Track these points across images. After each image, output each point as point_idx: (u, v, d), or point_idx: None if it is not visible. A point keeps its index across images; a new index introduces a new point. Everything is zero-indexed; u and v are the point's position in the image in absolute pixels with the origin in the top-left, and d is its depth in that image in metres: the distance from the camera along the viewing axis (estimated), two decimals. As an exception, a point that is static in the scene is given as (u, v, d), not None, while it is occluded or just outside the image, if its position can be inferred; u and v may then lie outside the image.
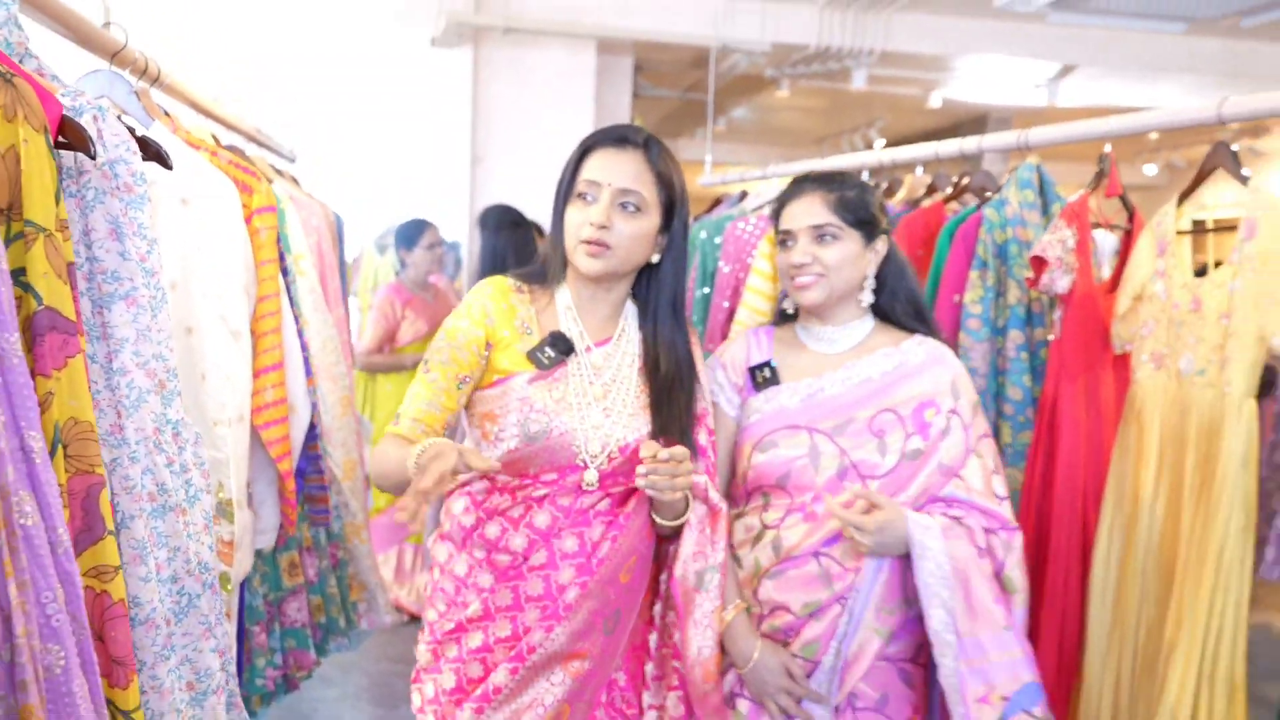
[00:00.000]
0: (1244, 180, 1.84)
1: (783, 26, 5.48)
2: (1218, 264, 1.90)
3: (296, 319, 1.83)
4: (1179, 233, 1.97)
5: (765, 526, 1.70)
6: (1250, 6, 3.34)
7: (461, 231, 5.12)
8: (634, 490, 1.59)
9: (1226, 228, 1.90)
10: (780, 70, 6.18)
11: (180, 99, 2.03)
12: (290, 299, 1.83)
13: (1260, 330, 1.74)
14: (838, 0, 5.31)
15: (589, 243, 1.57)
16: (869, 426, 1.67)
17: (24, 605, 0.75)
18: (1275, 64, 6.00)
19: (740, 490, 1.78)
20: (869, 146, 9.67)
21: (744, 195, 3.74)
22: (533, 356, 1.61)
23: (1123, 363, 2.10)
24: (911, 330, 1.77)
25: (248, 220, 1.64)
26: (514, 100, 5.23)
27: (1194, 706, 1.77)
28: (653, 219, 1.61)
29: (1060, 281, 1.99)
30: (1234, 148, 1.90)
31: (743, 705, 1.69)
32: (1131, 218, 2.21)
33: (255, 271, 1.65)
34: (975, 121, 8.88)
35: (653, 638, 1.71)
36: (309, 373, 1.86)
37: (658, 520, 1.63)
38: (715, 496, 1.66)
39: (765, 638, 1.68)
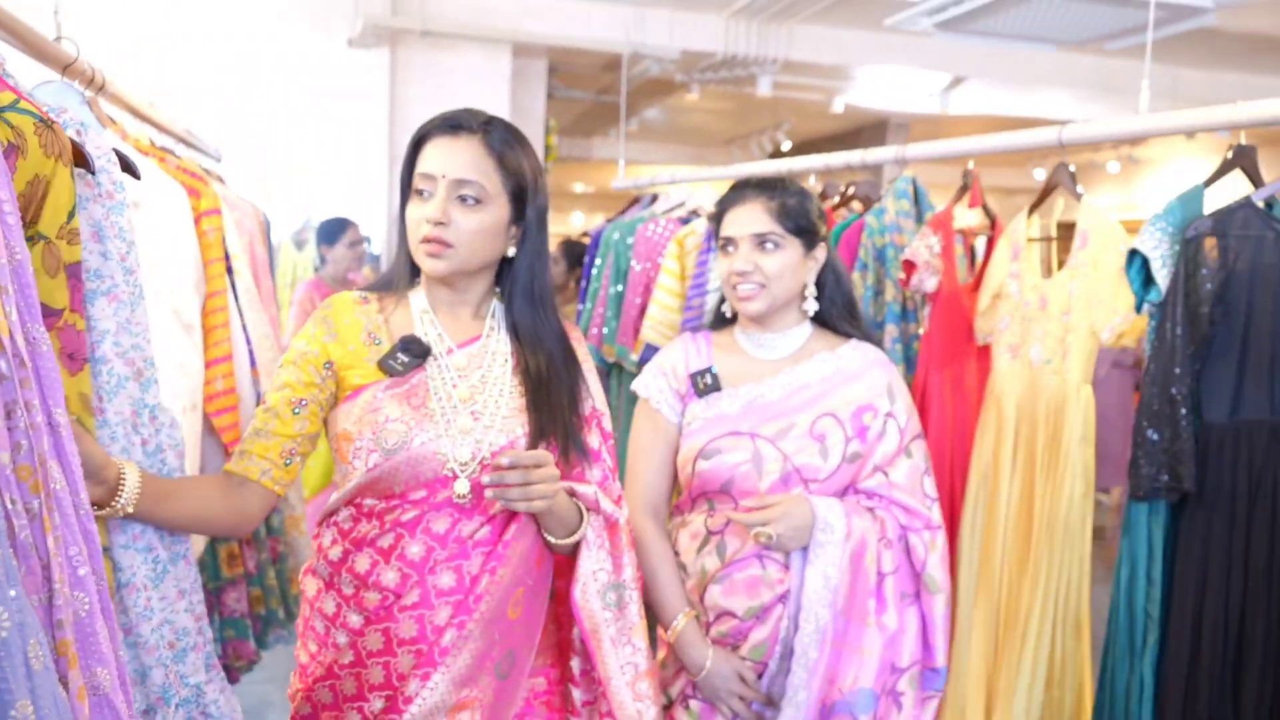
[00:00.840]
0: (1078, 197, 2.13)
1: (691, 34, 5.72)
2: (1061, 265, 2.19)
3: (241, 315, 1.97)
4: (1029, 240, 2.26)
5: (710, 533, 1.71)
6: (1112, 32, 3.68)
7: (379, 229, 5.24)
8: (516, 514, 1.44)
9: (1069, 236, 2.19)
10: (689, 75, 6.42)
11: (122, 106, 2.16)
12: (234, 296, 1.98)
13: (1092, 325, 2.03)
14: (743, 11, 5.56)
15: (428, 241, 1.43)
16: (810, 431, 1.68)
17: (58, 558, 0.91)
18: (1152, 80, 6.47)
19: (685, 498, 1.78)
20: (776, 148, 10.00)
21: (655, 198, 3.96)
22: (384, 365, 1.46)
23: (985, 353, 2.37)
24: (847, 335, 1.79)
25: (196, 221, 1.79)
26: (431, 101, 5.36)
27: (1050, 645, 2.05)
28: (498, 211, 1.45)
29: (928, 282, 2.25)
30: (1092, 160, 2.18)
31: (695, 705, 1.70)
32: (993, 225, 2.49)
33: (204, 269, 1.80)
34: (876, 126, 9.26)
35: (575, 663, 1.55)
36: (253, 364, 2.01)
37: (551, 540, 1.47)
38: (609, 506, 1.51)
39: (715, 643, 1.68)
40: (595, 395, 1.58)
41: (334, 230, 4.43)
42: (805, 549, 1.62)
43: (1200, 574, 1.71)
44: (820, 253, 1.76)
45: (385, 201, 5.23)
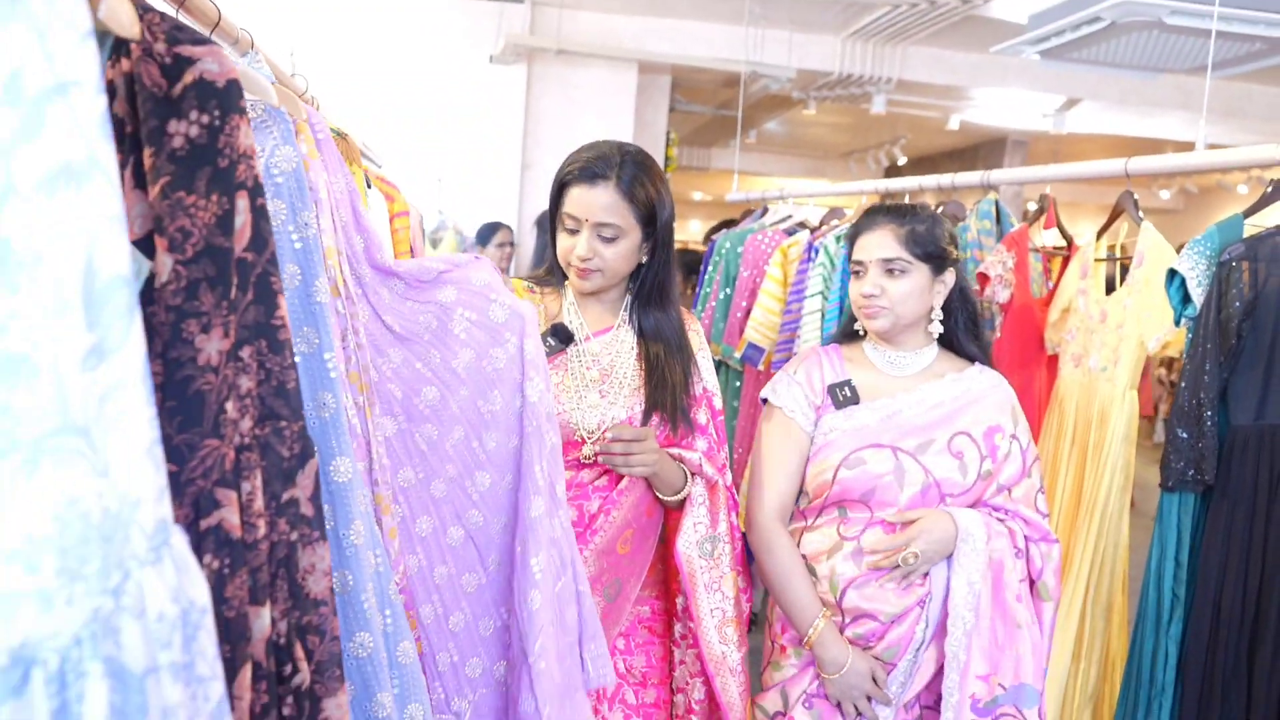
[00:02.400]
0: (1139, 222, 2.36)
1: (808, 54, 6.01)
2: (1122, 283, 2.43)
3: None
4: (1096, 260, 2.50)
5: (843, 539, 1.74)
6: (1214, 62, 3.82)
7: (511, 227, 5.70)
8: None
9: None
10: (805, 93, 6.70)
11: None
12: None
13: (1141, 336, 2.27)
14: (858, 32, 5.81)
15: (577, 269, 1.71)
16: (948, 447, 1.72)
17: (376, 435, 1.23)
18: (1266, 103, 6.47)
19: (814, 504, 1.80)
20: (892, 163, 10.15)
21: (765, 211, 4.27)
22: None
23: (1053, 362, 2.62)
24: (970, 358, 1.84)
25: (391, 220, 2.19)
26: (561, 113, 5.80)
27: (1080, 621, 2.30)
28: (633, 238, 1.70)
29: (1000, 294, 2.52)
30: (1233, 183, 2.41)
31: (819, 705, 1.75)
32: (1069, 245, 2.73)
33: (395, 257, 2.21)
34: (994, 143, 9.33)
35: (679, 600, 1.77)
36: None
37: (661, 496, 1.73)
38: (710, 470, 1.75)
39: (850, 643, 1.72)
40: (707, 378, 1.83)
41: (487, 232, 4.88)
42: (947, 558, 1.68)
43: (1222, 559, 1.94)
44: (949, 277, 1.79)
45: (516, 203, 5.68)
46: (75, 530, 0.49)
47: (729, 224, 4.85)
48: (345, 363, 1.07)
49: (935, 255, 1.76)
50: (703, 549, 1.74)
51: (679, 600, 1.78)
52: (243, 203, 0.78)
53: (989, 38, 5.70)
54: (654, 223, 1.72)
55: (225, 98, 0.76)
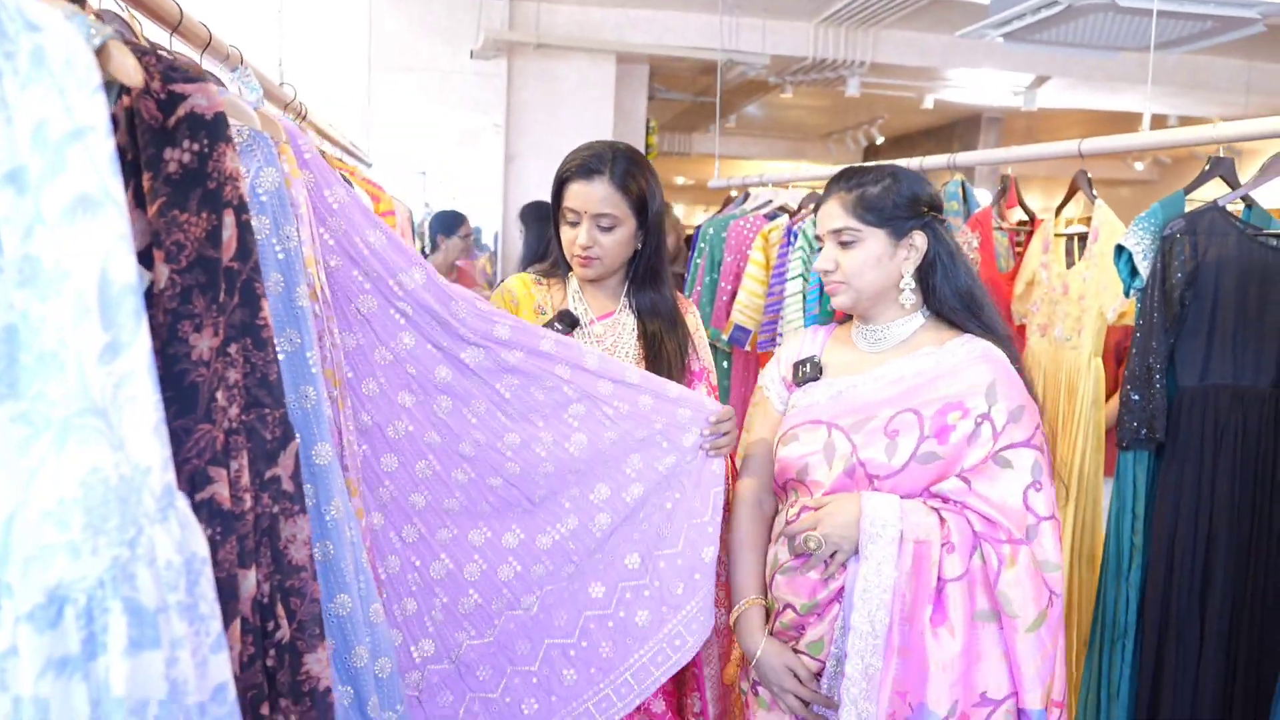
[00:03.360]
0: (1093, 198, 2.52)
1: (781, 41, 6.15)
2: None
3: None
4: (1056, 235, 2.65)
5: (787, 522, 1.64)
6: (1165, 41, 3.98)
7: (495, 218, 5.81)
8: None
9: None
10: (781, 78, 6.83)
11: (311, 128, 2.73)
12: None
13: (1100, 307, 2.42)
14: (830, 18, 5.95)
15: (579, 257, 1.86)
16: (885, 425, 1.57)
17: (348, 425, 1.42)
18: (1227, 75, 6.64)
19: (777, 486, 1.73)
20: (870, 142, 10.31)
21: (746, 196, 4.41)
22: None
23: (1021, 332, 2.77)
24: (964, 329, 1.65)
25: (380, 222, 2.33)
26: (542, 105, 5.93)
27: (1068, 573, 2.46)
28: (627, 226, 1.85)
29: (967, 271, 2.66)
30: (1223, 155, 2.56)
31: (765, 694, 1.64)
32: (1032, 221, 2.89)
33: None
34: (970, 120, 9.49)
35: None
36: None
37: None
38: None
39: (777, 635, 1.62)
40: (703, 357, 1.97)
41: (450, 222, 4.97)
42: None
43: (1174, 510, 2.10)
44: (919, 239, 1.62)
45: (500, 195, 5.80)
46: (97, 493, 0.62)
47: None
48: (322, 361, 1.21)
49: (893, 217, 1.61)
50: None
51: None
52: (229, 219, 0.90)
53: (958, 20, 5.85)
54: (645, 212, 1.86)
55: (213, 128, 0.88)
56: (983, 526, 1.49)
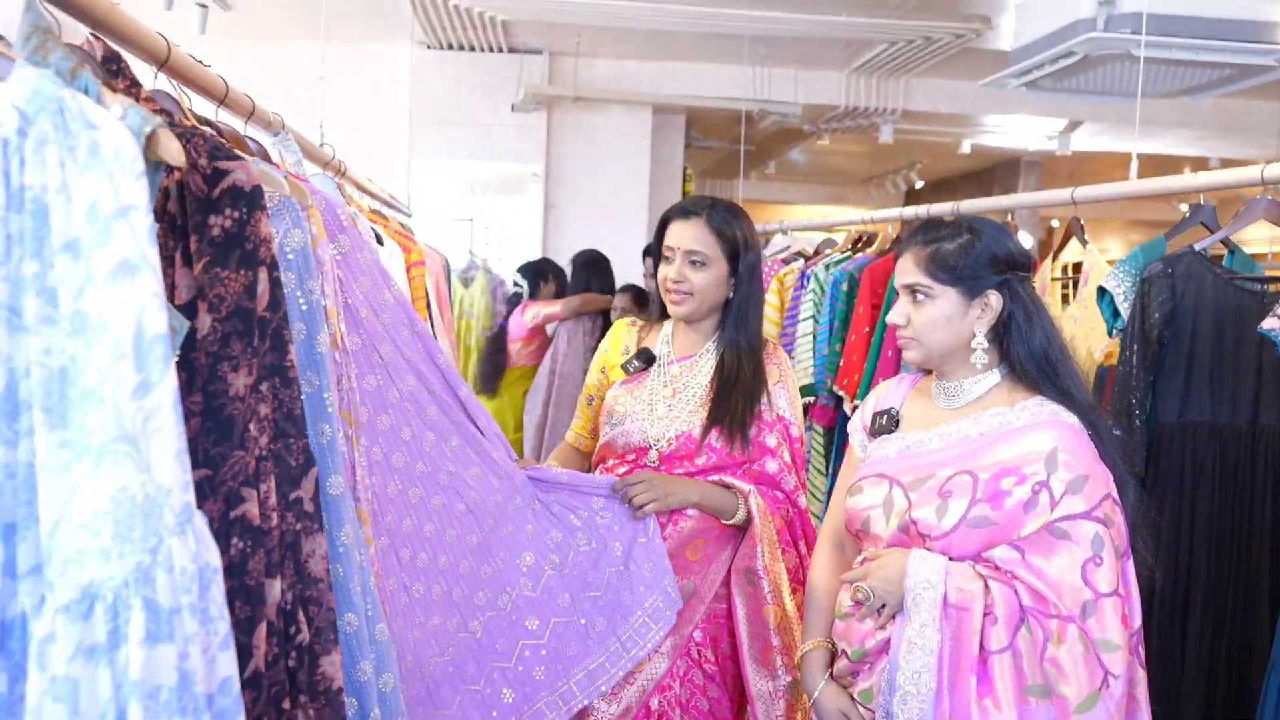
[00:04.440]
0: (1084, 243, 2.61)
1: (814, 90, 6.31)
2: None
3: (436, 337, 2.69)
4: (1053, 279, 2.75)
5: (851, 569, 1.66)
6: (1186, 88, 4.06)
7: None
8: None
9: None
10: (815, 125, 6.99)
11: (350, 183, 2.93)
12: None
13: (1089, 348, 2.51)
14: (861, 67, 6.10)
15: (671, 291, 1.98)
16: (941, 485, 1.55)
17: (360, 460, 1.57)
18: (1265, 118, 6.65)
19: (848, 533, 1.74)
20: (910, 187, 10.41)
21: (767, 243, 4.56)
22: (624, 366, 2.08)
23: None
24: (1037, 390, 1.60)
25: (407, 269, 2.51)
26: (581, 155, 6.15)
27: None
28: (720, 268, 1.96)
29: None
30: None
31: None
32: (1034, 266, 2.98)
33: (412, 305, 2.52)
34: (1009, 164, 9.55)
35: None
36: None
37: (721, 520, 1.95)
38: (755, 503, 1.92)
39: (835, 679, 1.64)
40: (784, 407, 2.01)
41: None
42: None
43: (1154, 542, 2.17)
44: (993, 300, 1.58)
45: (540, 242, 6.01)
46: (125, 508, 0.74)
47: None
48: (339, 402, 1.36)
49: (967, 276, 1.58)
50: (745, 576, 1.92)
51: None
52: (263, 275, 1.07)
53: (987, 68, 5.95)
54: (738, 258, 1.98)
55: (251, 199, 1.04)
56: (1031, 600, 1.44)
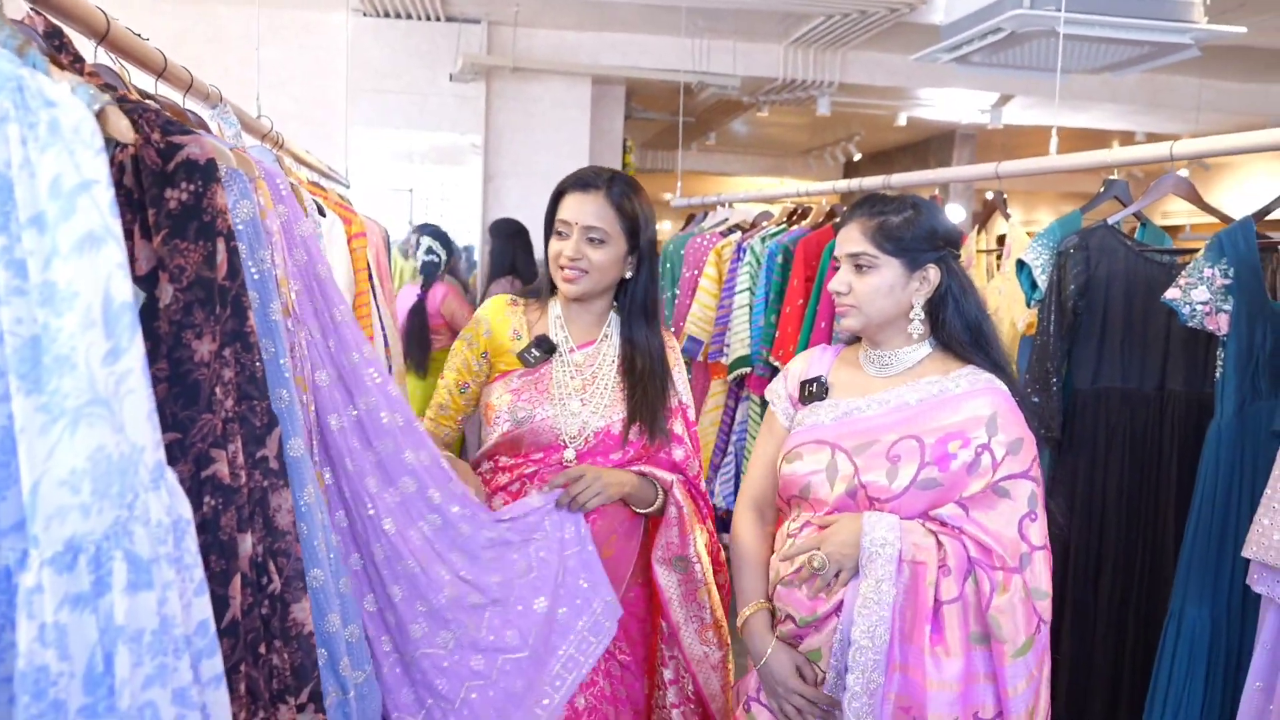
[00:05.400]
0: (1008, 217, 2.72)
1: (752, 62, 6.36)
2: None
3: (378, 309, 2.70)
4: (978, 251, 2.85)
5: (789, 536, 1.71)
6: (1107, 65, 4.19)
7: (475, 236, 6.02)
8: None
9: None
10: (754, 97, 7.05)
11: (288, 154, 2.92)
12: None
13: (1011, 318, 2.62)
14: (799, 40, 6.16)
15: (565, 269, 1.86)
16: (888, 450, 1.63)
17: (316, 426, 1.57)
18: (1187, 93, 6.86)
19: (780, 500, 1.79)
20: (849, 159, 10.55)
21: (705, 215, 4.62)
22: (521, 357, 1.91)
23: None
24: (969, 361, 1.70)
25: (348, 241, 2.52)
26: (520, 126, 6.14)
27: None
28: (618, 246, 1.86)
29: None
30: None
31: (755, 709, 1.71)
32: (960, 239, 3.09)
33: (354, 276, 2.53)
34: (944, 136, 9.71)
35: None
36: (386, 345, 2.73)
37: (636, 510, 1.90)
38: (679, 493, 1.90)
39: (780, 639, 1.69)
40: (681, 391, 1.99)
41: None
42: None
43: (1069, 503, 2.29)
44: (931, 273, 1.68)
45: (480, 215, 6.00)
46: (102, 466, 0.78)
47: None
48: (293, 368, 1.40)
49: (910, 249, 1.66)
50: (674, 566, 1.91)
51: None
52: (221, 245, 1.10)
53: (922, 42, 6.05)
54: (638, 236, 1.88)
55: (206, 172, 1.08)
56: (978, 553, 1.55)
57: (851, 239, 1.69)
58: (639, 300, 1.93)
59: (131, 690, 0.77)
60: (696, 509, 1.96)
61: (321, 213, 2.15)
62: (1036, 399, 2.32)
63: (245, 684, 1.10)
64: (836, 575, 1.60)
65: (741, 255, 3.51)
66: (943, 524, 1.59)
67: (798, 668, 1.65)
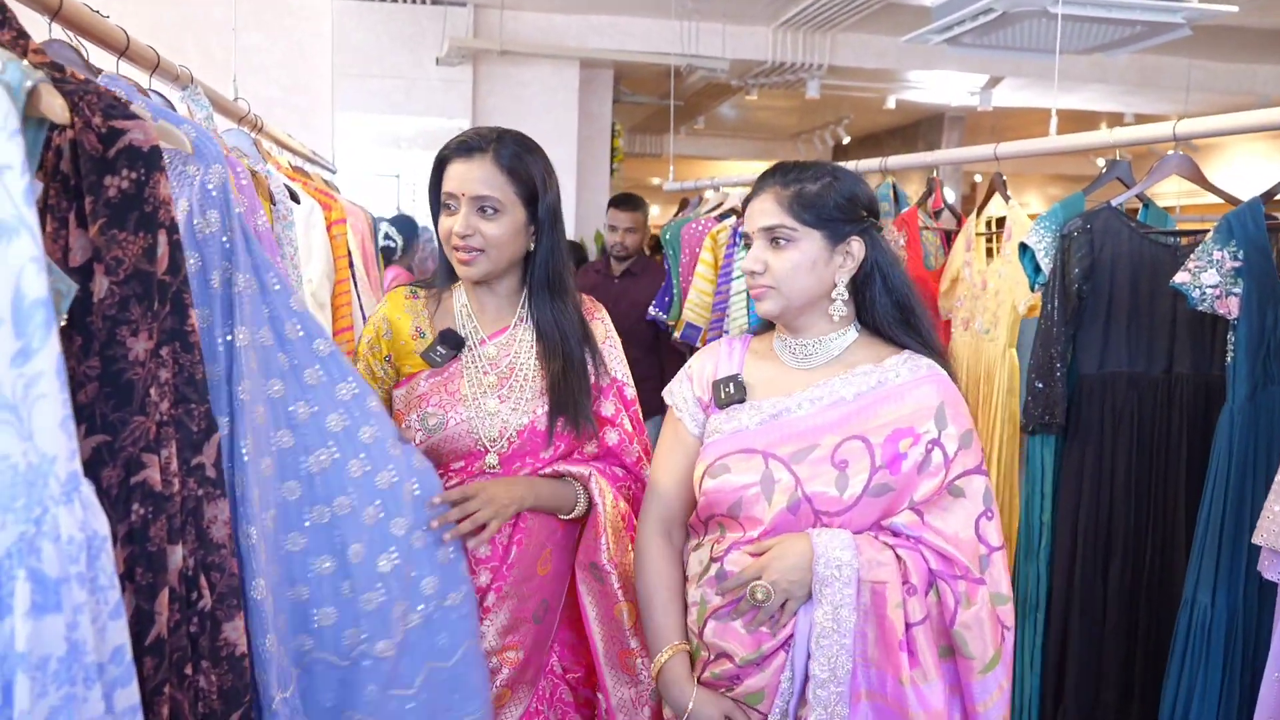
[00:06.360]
0: (1008, 199, 2.67)
1: (741, 45, 6.30)
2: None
3: (358, 296, 2.64)
4: (978, 234, 2.81)
5: (712, 560, 1.49)
6: (1099, 44, 4.14)
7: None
8: None
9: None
10: (743, 80, 6.98)
11: (269, 138, 2.85)
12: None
13: (1013, 300, 2.58)
14: (788, 22, 6.10)
15: (458, 249, 1.63)
16: (832, 455, 1.43)
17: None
18: (1178, 74, 6.83)
19: (696, 518, 1.57)
20: (837, 142, 10.49)
21: (699, 200, 4.56)
22: (426, 357, 1.67)
23: (947, 326, 2.93)
24: (901, 345, 1.52)
25: (328, 228, 2.46)
26: (508, 110, 6.06)
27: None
28: (515, 216, 1.63)
29: (893, 269, 2.81)
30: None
31: None
32: (959, 220, 3.04)
33: (334, 263, 2.47)
34: (933, 119, 9.67)
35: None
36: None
37: (560, 518, 1.68)
38: (596, 487, 1.67)
39: (707, 685, 1.49)
40: (616, 367, 1.76)
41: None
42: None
43: (1076, 489, 2.25)
44: (855, 247, 1.48)
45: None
46: (6, 477, 0.73)
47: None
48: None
49: (831, 219, 1.46)
50: (591, 571, 1.68)
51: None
52: (163, 238, 1.03)
53: (911, 23, 6.00)
54: (536, 203, 1.66)
55: (149, 159, 1.00)
56: (938, 564, 1.39)
57: (765, 211, 1.48)
58: (540, 275, 1.70)
59: (33, 722, 0.71)
60: (632, 504, 1.75)
61: (296, 199, 2.09)
62: (1040, 384, 2.27)
63: (169, 707, 1.02)
64: (783, 605, 1.40)
65: (737, 240, 3.45)
66: (895, 534, 1.42)
67: (727, 716, 1.46)
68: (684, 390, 1.61)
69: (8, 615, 0.72)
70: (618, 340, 1.81)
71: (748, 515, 1.45)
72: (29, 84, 0.81)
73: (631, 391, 1.79)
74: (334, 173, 4.00)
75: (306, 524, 1.36)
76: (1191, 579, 1.92)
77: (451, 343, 1.68)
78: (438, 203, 1.68)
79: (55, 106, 0.86)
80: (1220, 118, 2.03)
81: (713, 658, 1.48)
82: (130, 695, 0.84)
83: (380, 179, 5.81)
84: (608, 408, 1.75)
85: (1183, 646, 1.91)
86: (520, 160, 1.64)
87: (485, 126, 1.68)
